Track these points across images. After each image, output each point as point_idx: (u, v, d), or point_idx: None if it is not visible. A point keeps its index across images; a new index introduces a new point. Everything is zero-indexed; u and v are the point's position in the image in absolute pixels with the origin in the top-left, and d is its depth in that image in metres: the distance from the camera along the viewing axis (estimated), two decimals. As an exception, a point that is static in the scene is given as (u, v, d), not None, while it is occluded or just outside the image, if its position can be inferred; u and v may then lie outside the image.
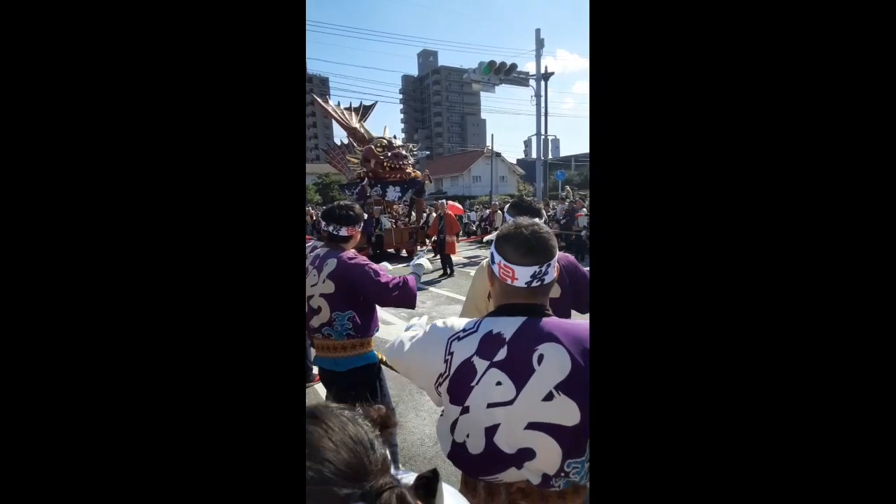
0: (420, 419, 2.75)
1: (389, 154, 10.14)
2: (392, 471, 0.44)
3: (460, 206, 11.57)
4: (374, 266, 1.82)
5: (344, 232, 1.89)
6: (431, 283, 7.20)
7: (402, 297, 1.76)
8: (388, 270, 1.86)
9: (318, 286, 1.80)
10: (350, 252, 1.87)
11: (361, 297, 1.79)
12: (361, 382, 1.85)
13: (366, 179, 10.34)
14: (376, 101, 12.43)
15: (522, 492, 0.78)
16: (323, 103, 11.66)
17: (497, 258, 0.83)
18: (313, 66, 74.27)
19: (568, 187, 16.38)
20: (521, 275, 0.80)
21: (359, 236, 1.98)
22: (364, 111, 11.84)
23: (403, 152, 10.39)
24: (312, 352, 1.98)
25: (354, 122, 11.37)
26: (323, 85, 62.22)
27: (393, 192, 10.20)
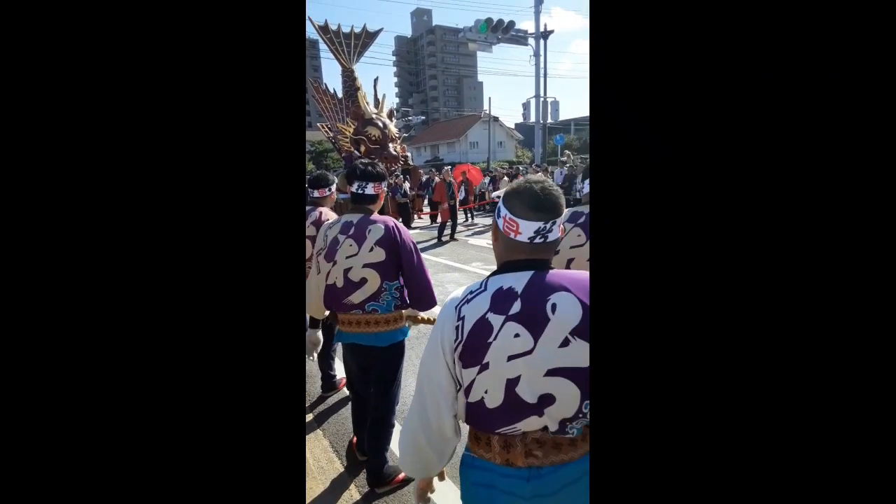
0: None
1: (383, 153, 9.57)
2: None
3: (480, 172, 11.08)
4: (417, 247, 1.73)
5: (370, 189, 1.72)
6: (428, 249, 7.20)
7: (425, 292, 1.70)
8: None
9: (360, 256, 1.63)
10: (392, 219, 1.73)
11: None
12: (396, 355, 1.77)
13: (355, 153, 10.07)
14: (382, 28, 11.38)
15: (537, 442, 0.79)
16: (313, 25, 10.24)
17: (503, 212, 0.84)
18: (302, 28, 71.17)
19: (568, 152, 16.11)
20: (526, 229, 0.81)
21: (384, 196, 1.84)
22: (367, 38, 10.81)
23: (394, 152, 9.74)
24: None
25: (353, 64, 10.68)
26: (312, 48, 59.89)
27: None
